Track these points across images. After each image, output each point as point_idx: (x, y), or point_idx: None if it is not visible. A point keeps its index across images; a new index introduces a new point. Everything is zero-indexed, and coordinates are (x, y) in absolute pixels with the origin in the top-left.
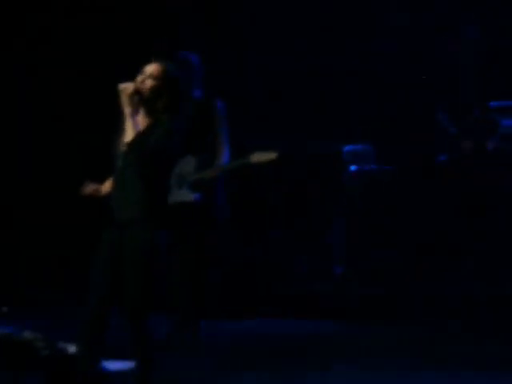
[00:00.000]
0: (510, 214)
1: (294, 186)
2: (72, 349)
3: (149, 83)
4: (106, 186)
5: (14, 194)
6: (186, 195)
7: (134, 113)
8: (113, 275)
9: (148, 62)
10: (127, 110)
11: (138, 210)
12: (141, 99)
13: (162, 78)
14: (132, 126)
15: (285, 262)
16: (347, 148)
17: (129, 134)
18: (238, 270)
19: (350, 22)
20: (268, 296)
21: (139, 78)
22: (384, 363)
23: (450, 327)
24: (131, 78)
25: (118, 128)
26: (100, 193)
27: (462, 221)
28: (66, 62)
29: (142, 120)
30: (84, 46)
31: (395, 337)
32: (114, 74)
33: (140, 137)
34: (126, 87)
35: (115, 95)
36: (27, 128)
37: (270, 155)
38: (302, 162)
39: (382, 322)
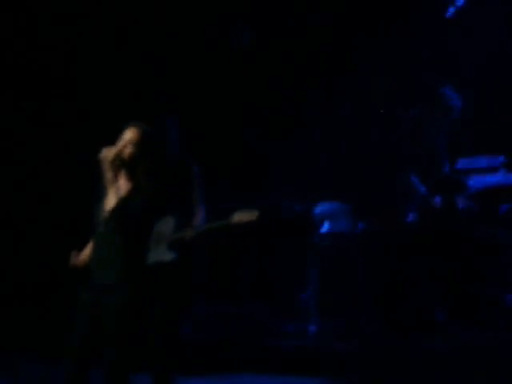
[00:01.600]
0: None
1: (269, 244)
2: None
3: (128, 150)
4: (87, 252)
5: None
6: (164, 255)
7: (116, 178)
8: (89, 337)
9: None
10: (109, 175)
11: (116, 275)
12: (122, 164)
13: (140, 144)
14: (114, 192)
15: (259, 319)
16: (319, 208)
17: (111, 200)
18: (212, 327)
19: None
20: (243, 352)
21: (119, 145)
22: None
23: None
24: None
25: (98, 193)
26: (86, 262)
27: (434, 275)
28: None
29: (123, 184)
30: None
31: None
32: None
33: (122, 203)
34: (107, 154)
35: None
36: None
37: (251, 215)
38: (275, 221)
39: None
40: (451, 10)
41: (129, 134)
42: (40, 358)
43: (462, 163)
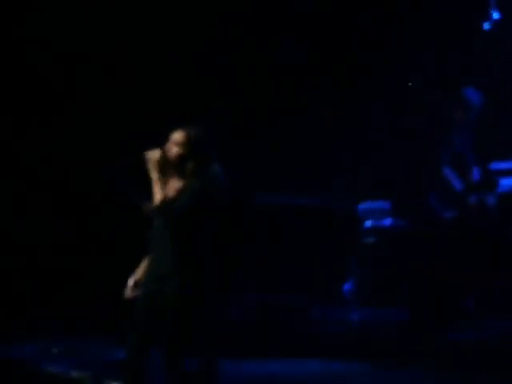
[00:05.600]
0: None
1: (314, 239)
2: None
3: (175, 150)
4: (141, 271)
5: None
6: None
7: (162, 177)
8: (150, 325)
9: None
10: (154, 175)
11: (171, 266)
12: (169, 165)
13: (186, 145)
14: (159, 190)
15: (302, 309)
16: (363, 205)
17: (157, 198)
18: (256, 312)
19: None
20: (285, 337)
21: (166, 146)
22: None
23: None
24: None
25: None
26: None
27: (467, 270)
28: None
29: (175, 183)
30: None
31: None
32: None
33: (170, 200)
34: (152, 155)
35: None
36: None
37: None
38: (321, 216)
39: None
40: (487, 24)
41: (175, 136)
42: (104, 342)
43: (494, 164)
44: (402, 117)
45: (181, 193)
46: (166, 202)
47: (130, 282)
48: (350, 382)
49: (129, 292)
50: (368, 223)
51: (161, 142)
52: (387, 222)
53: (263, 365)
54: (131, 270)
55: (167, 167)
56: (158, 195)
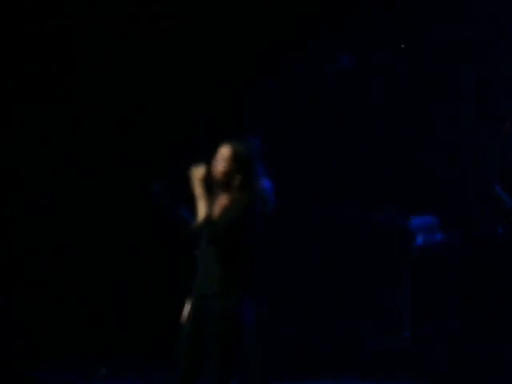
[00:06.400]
0: None
1: (366, 254)
2: None
3: (221, 165)
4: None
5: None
6: None
7: (208, 194)
8: (198, 346)
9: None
10: (198, 191)
11: (217, 285)
12: (216, 181)
13: (233, 160)
14: (203, 207)
15: (353, 326)
16: (415, 221)
17: (201, 215)
18: (307, 333)
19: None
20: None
21: (212, 162)
22: None
23: None
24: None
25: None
26: None
27: None
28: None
29: (222, 199)
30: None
31: None
32: None
33: (216, 216)
34: (197, 171)
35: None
36: None
37: None
38: (372, 232)
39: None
40: None
41: (223, 151)
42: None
43: None
44: (452, 131)
45: (227, 208)
46: (210, 218)
47: (187, 308)
48: None
49: (186, 318)
50: (419, 238)
51: (207, 157)
52: (439, 237)
53: None
54: (183, 291)
55: (213, 183)
56: (201, 211)
